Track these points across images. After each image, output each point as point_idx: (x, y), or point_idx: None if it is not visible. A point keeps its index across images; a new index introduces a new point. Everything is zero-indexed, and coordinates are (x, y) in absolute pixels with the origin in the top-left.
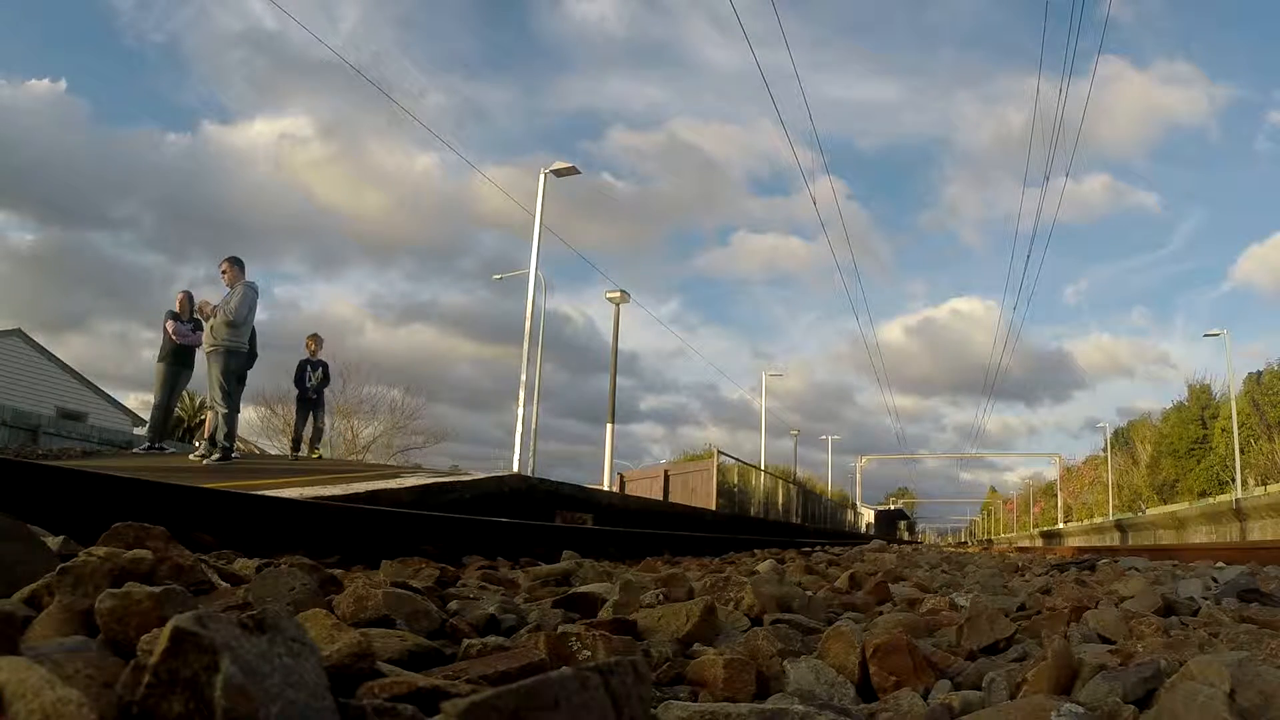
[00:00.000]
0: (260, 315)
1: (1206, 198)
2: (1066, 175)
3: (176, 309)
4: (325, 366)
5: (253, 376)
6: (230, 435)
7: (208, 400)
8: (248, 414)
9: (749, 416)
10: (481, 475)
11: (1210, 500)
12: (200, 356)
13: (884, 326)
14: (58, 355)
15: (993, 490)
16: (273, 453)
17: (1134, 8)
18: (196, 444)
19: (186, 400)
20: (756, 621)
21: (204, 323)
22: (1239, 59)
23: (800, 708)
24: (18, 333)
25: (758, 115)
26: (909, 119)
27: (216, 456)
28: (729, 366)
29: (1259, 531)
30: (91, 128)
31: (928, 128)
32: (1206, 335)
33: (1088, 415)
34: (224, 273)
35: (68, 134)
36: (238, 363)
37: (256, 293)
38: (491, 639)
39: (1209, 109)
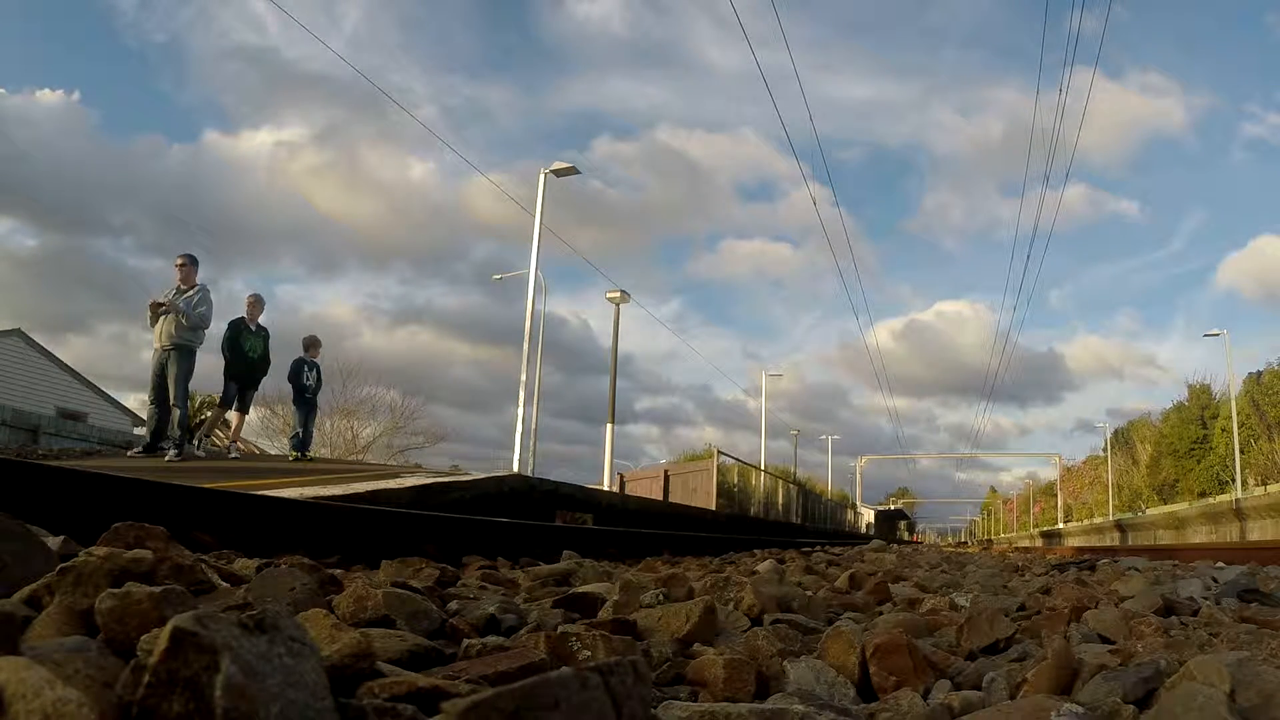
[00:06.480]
0: (262, 318)
1: (1187, 206)
2: (1065, 179)
3: None
4: (319, 369)
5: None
6: (178, 429)
7: (172, 398)
8: (249, 414)
9: (744, 417)
10: (481, 475)
11: (1210, 500)
12: (199, 356)
13: (872, 329)
14: (58, 356)
15: (992, 490)
16: (273, 453)
17: (1106, 20)
18: (196, 444)
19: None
20: (756, 621)
21: (161, 319)
22: (1215, 71)
23: (800, 708)
24: (18, 333)
25: (748, 122)
26: (896, 124)
27: (174, 453)
28: (722, 368)
29: (1259, 531)
30: (97, 137)
31: (914, 133)
32: (1206, 335)
33: (1079, 416)
34: (181, 267)
35: (73, 143)
36: (191, 362)
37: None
38: (491, 639)
39: (1186, 119)
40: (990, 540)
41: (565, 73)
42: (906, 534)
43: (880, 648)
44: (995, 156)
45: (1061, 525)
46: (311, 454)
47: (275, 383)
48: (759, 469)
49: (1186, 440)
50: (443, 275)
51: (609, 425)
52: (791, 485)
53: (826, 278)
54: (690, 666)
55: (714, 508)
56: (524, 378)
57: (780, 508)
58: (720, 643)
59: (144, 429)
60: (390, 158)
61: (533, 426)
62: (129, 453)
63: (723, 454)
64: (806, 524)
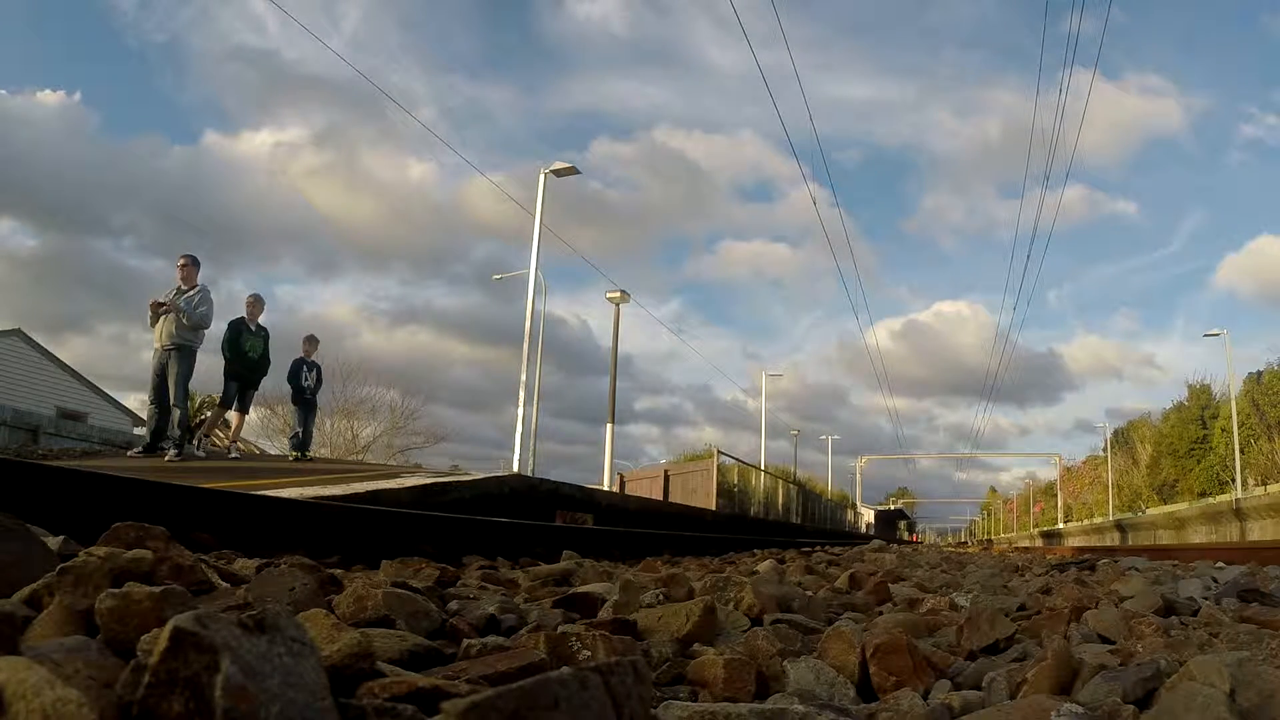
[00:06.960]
0: (262, 318)
1: (1185, 207)
2: (1065, 180)
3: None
4: (319, 369)
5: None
6: (178, 429)
7: (172, 398)
8: (249, 414)
9: (743, 417)
10: (482, 475)
11: (1210, 500)
12: (199, 356)
13: (872, 329)
14: (58, 356)
15: (992, 490)
16: (273, 453)
17: (1105, 21)
18: (195, 444)
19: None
20: (756, 621)
21: (161, 318)
22: (1213, 72)
23: (800, 708)
24: (18, 333)
25: (748, 122)
26: (895, 124)
27: (174, 453)
28: (722, 368)
29: (1259, 531)
30: (97, 137)
31: (913, 133)
32: (1206, 335)
33: (1078, 416)
34: (182, 267)
35: (74, 143)
36: (191, 362)
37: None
38: (491, 639)
39: (1184, 120)
40: (990, 540)
41: (565, 73)
42: (906, 534)
43: (880, 648)
44: (994, 157)
45: (1061, 525)
46: (311, 454)
47: (275, 383)
48: (759, 469)
49: (1186, 440)
50: (442, 275)
51: (609, 425)
52: (791, 485)
53: (826, 278)
54: (690, 666)
55: (714, 508)
56: (524, 378)
57: (780, 508)
58: (720, 643)
59: (144, 429)
60: (390, 158)
61: (533, 426)
62: (129, 453)
63: (723, 454)
64: (806, 524)
